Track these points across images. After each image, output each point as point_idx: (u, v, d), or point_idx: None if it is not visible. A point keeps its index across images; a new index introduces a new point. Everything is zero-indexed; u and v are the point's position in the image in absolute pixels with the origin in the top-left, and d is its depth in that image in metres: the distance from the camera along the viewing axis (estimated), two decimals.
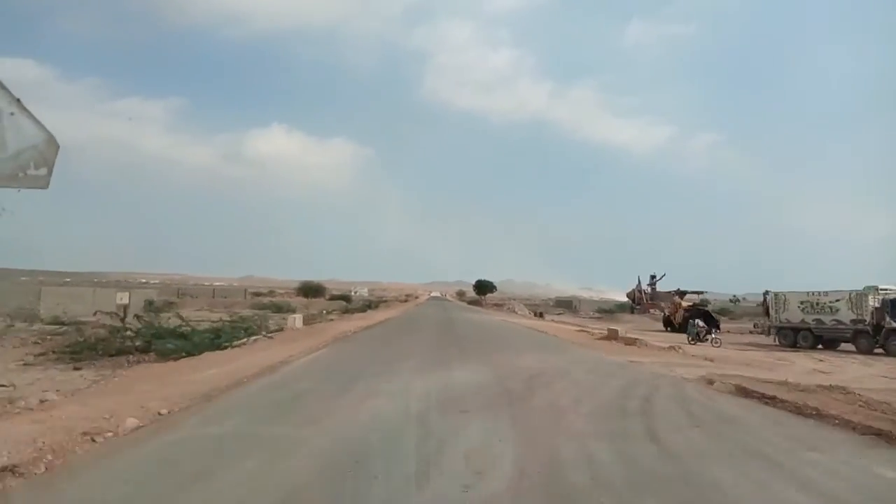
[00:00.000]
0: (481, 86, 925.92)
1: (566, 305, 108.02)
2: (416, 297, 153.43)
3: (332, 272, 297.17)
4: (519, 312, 69.40)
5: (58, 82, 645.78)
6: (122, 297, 57.50)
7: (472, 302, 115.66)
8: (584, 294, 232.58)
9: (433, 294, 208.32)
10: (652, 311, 72.59)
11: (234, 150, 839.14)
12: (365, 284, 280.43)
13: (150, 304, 59.48)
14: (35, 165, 1.50)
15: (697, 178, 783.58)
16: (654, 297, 76.83)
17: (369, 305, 65.08)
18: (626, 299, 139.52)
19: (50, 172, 1.48)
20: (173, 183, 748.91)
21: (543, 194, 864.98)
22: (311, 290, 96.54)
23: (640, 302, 76.86)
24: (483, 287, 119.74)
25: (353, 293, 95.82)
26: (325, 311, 55.15)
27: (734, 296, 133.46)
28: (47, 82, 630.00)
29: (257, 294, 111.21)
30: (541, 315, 59.35)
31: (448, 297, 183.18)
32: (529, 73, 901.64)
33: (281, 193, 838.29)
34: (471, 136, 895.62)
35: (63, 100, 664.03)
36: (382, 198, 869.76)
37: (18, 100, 1.42)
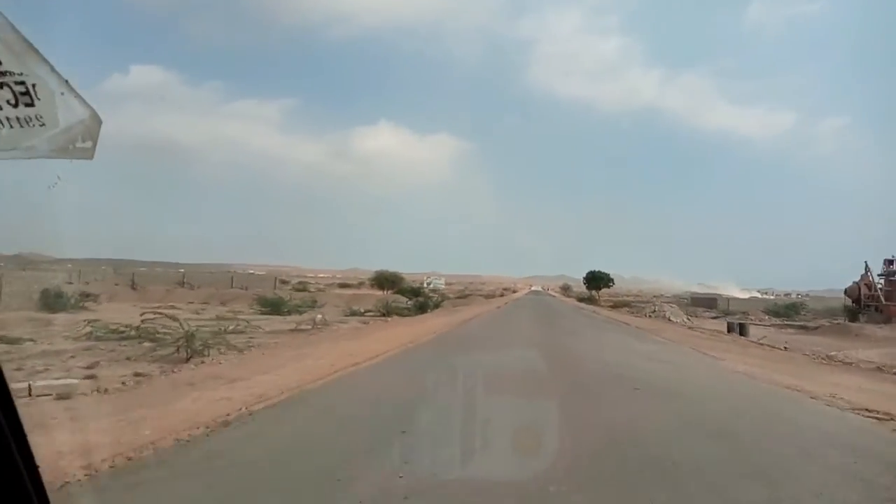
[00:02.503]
0: (588, 75, 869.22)
1: (706, 304, 75.51)
2: (514, 291, 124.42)
3: (433, 265, 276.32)
4: (676, 321, 38.89)
5: (183, 86, 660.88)
6: None
7: (582, 299, 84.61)
8: (697, 289, 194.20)
9: (533, 288, 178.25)
10: None
11: (343, 147, 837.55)
12: (464, 277, 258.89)
13: (57, 297, 34.46)
14: (82, 139, 1.68)
15: (822, 166, 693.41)
16: (895, 294, 43.50)
17: (423, 305, 36.50)
18: (752, 295, 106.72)
19: (94, 145, 1.67)
20: (286, 180, 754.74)
21: (651, 186, 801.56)
22: (386, 282, 72.03)
23: (872, 302, 43.66)
24: (596, 279, 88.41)
25: (425, 285, 68.29)
26: (316, 320, 27.37)
27: None
28: (173, 86, 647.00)
29: (344, 285, 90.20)
30: (740, 328, 28.52)
31: (551, 291, 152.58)
32: (639, 61, 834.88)
33: (386, 188, 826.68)
34: (575, 127, 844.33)
35: (187, 103, 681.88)
36: (484, 192, 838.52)
37: (67, 81, 1.58)
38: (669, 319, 39.75)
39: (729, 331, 28.31)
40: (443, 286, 76.58)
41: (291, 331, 23.03)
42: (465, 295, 68.45)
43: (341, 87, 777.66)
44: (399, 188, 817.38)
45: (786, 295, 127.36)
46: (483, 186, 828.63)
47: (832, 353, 17.43)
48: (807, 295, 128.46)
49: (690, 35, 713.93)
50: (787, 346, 18.19)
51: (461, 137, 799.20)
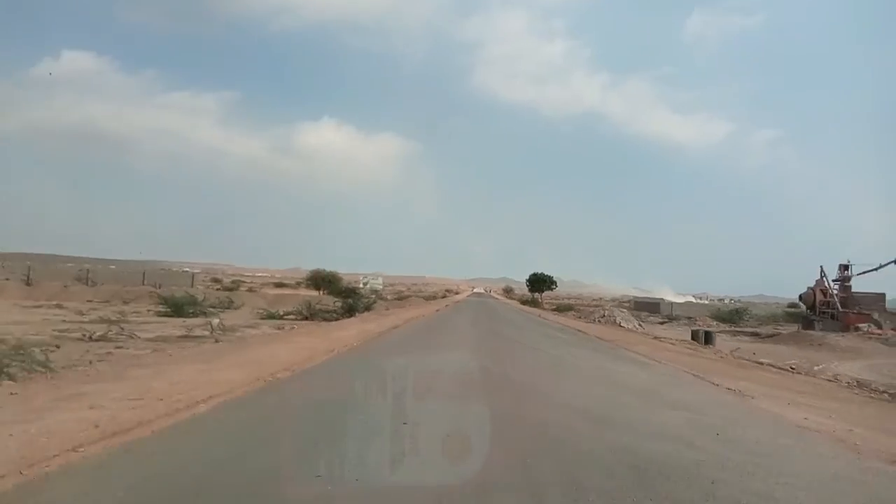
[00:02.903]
0: (533, 78, 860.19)
1: (649, 309, 73.00)
2: (457, 293, 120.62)
3: (377, 266, 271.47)
4: (628, 326, 35.34)
5: (116, 74, 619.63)
6: None
7: (525, 301, 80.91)
8: (633, 293, 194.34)
9: (476, 290, 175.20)
10: (860, 326, 37.13)
11: (285, 143, 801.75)
12: (408, 279, 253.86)
13: None
14: None
15: (755, 176, 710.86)
16: (850, 301, 41.10)
17: (352, 308, 31.65)
18: (687, 299, 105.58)
19: None
20: (224, 175, 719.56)
21: (590, 190, 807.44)
22: (322, 281, 66.85)
23: (828, 309, 41.14)
24: (539, 282, 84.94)
25: (361, 285, 63.22)
26: (213, 325, 22.31)
27: None
28: (106, 74, 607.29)
29: (280, 284, 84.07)
30: (706, 337, 24.61)
31: (493, 293, 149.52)
32: (584, 65, 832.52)
33: (330, 187, 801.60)
34: (519, 130, 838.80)
35: (121, 91, 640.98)
36: (430, 193, 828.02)
37: None
38: (621, 325, 36.15)
39: (693, 338, 24.58)
40: (381, 287, 71.33)
41: (180, 338, 17.99)
42: (404, 296, 63.58)
43: (283, 81, 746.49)
44: (344, 187, 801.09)
45: (719, 300, 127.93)
46: (428, 188, 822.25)
47: (837, 375, 13.51)
48: (739, 300, 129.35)
49: (634, 42, 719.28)
50: (792, 365, 14.17)
51: (407, 137, 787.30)
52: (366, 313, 30.96)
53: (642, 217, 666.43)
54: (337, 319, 28.25)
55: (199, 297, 37.34)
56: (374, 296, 48.87)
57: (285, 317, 29.50)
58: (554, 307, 64.77)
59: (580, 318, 41.61)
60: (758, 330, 43.00)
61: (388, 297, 62.51)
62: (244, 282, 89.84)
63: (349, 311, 31.24)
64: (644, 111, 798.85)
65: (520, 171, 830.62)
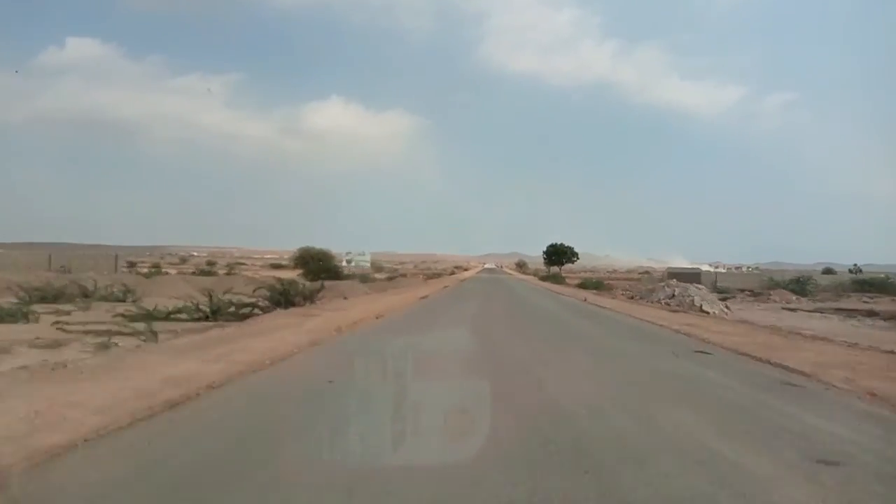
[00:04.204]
0: (541, 48, 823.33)
1: (689, 280, 58.95)
2: (465, 270, 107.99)
3: (385, 244, 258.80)
4: (711, 310, 22.59)
5: (123, 60, 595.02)
6: None
7: (544, 277, 67.73)
8: (647, 264, 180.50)
9: (487, 265, 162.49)
10: None
11: (293, 123, 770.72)
12: (417, 256, 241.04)
13: None
14: None
15: (767, 142, 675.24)
16: None
17: (285, 299, 18.88)
18: (708, 268, 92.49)
19: None
20: (232, 158, 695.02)
21: (602, 161, 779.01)
22: (312, 260, 54.29)
23: None
24: (558, 254, 71.86)
25: (344, 263, 50.65)
26: None
27: (854, 265, 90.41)
28: (112, 60, 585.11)
29: (277, 265, 72.17)
30: None
31: (505, 268, 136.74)
32: (593, 34, 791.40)
33: (339, 165, 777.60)
34: (528, 102, 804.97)
35: (128, 77, 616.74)
36: (440, 169, 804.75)
37: None
38: (702, 309, 23.37)
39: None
40: (368, 264, 58.65)
41: None
42: (396, 276, 50.82)
43: (289, 61, 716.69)
44: (353, 165, 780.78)
45: (736, 268, 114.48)
46: (437, 164, 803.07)
47: None
48: (757, 268, 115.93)
49: (644, 8, 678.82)
50: None
51: (415, 113, 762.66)
52: (305, 308, 18.38)
53: (651, 186, 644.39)
54: (256, 315, 15.88)
55: (90, 287, 25.36)
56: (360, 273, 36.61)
57: (172, 316, 16.86)
58: (578, 283, 51.57)
59: (634, 298, 28.83)
60: (872, 307, 30.02)
61: (380, 276, 50.04)
62: (244, 264, 78.81)
63: (285, 304, 18.79)
64: (655, 79, 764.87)
65: (528, 144, 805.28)
